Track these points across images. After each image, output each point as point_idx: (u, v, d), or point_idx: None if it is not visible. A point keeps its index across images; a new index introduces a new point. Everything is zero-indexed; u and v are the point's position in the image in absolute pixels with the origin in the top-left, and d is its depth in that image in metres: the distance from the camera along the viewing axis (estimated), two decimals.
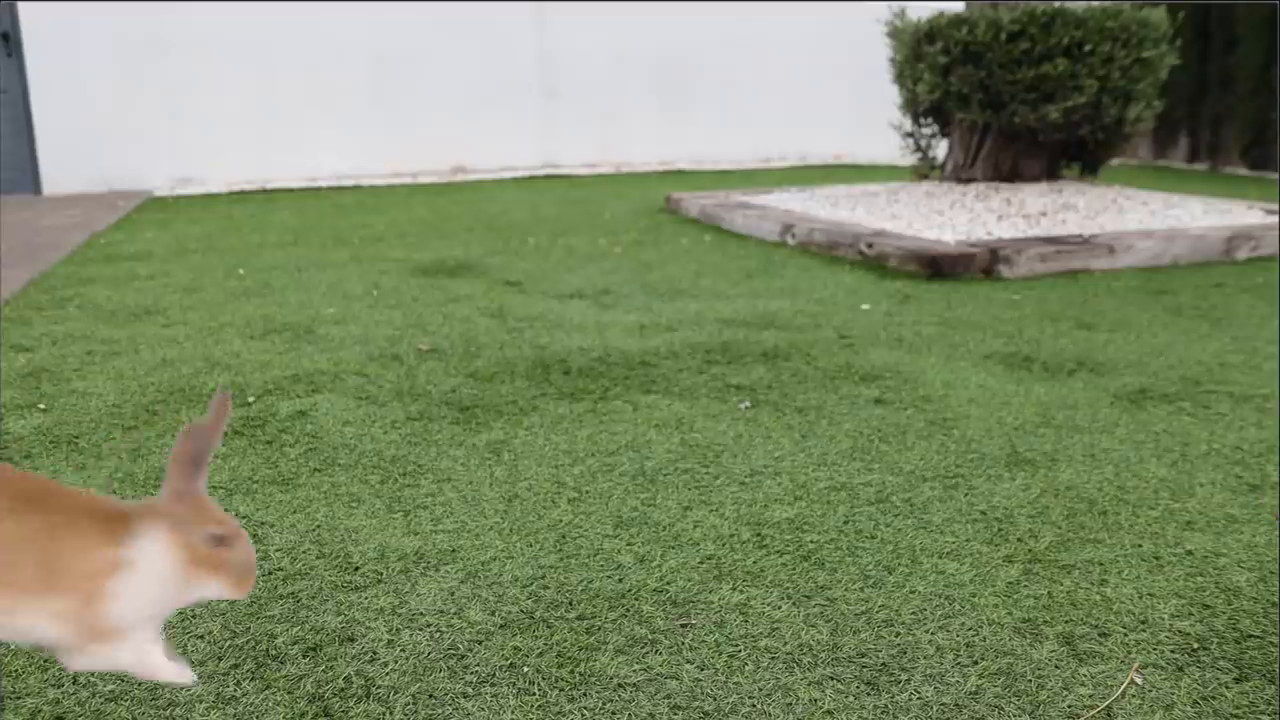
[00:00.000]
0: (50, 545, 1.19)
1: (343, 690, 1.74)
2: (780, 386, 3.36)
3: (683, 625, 1.93)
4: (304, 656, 1.84)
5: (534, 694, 1.73)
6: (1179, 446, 2.80)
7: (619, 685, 1.75)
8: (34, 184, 9.45)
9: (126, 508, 1.24)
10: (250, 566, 1.28)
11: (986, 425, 2.99)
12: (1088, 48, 6.66)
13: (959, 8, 7.38)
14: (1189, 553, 2.20)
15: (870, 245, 5.52)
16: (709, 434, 2.94)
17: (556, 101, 10.82)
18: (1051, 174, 7.48)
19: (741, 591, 2.05)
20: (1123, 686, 1.73)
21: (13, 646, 1.88)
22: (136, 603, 1.23)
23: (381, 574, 2.14)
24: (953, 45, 6.93)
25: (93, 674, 1.79)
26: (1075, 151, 7.49)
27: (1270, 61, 9.64)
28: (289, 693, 1.74)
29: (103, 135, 9.46)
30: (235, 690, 1.74)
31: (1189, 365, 3.55)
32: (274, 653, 1.85)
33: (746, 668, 1.80)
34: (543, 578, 2.12)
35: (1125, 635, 1.88)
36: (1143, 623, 1.93)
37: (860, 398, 3.24)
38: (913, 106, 7.62)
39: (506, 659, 1.83)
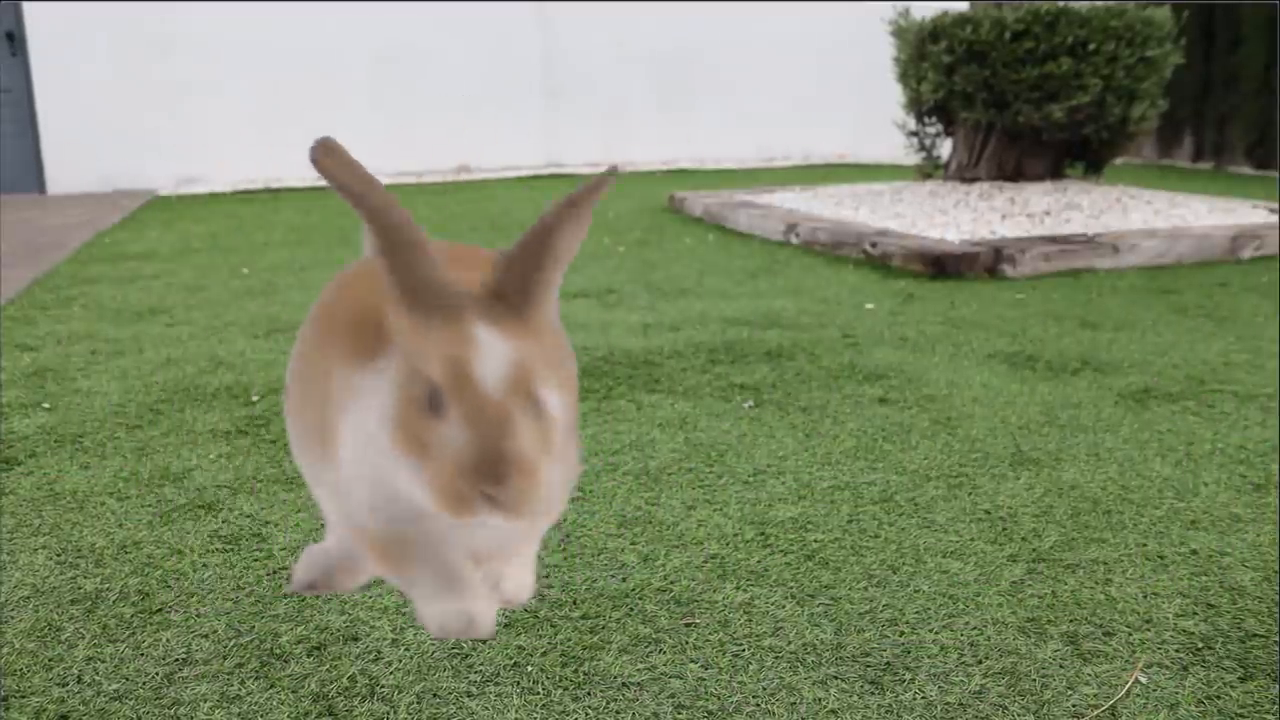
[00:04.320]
0: (313, 368, 0.88)
1: (347, 689, 1.74)
2: (784, 386, 3.36)
3: (686, 624, 1.93)
4: (308, 655, 1.84)
5: (538, 693, 1.73)
6: (1183, 446, 2.80)
7: (623, 684, 1.75)
8: (39, 183, 9.46)
9: (408, 301, 0.78)
10: (493, 473, 0.74)
11: (990, 425, 2.98)
12: (1092, 47, 6.65)
13: (963, 7, 7.37)
14: (1193, 552, 2.20)
15: (874, 244, 5.51)
16: (713, 433, 2.94)
17: (559, 101, 10.82)
18: (1055, 173, 7.47)
19: (745, 591, 2.05)
20: (1127, 686, 1.73)
21: (16, 645, 1.89)
22: (354, 463, 0.82)
23: None
24: (956, 44, 6.92)
25: (97, 672, 1.80)
26: (1079, 151, 7.48)
27: (1273, 61, 9.62)
28: (293, 691, 1.74)
29: (107, 135, 9.47)
30: (240, 689, 1.75)
31: (1193, 364, 3.55)
32: (278, 652, 1.86)
33: (750, 667, 1.79)
34: (546, 577, 2.12)
35: (1130, 634, 1.88)
36: (1147, 622, 1.92)
37: (864, 397, 3.24)
38: (916, 105, 7.61)
39: (510, 658, 1.83)
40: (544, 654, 1.84)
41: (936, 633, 1.90)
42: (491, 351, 0.75)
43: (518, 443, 0.74)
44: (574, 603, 2.01)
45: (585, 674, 1.78)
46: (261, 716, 1.67)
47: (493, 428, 0.74)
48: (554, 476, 0.76)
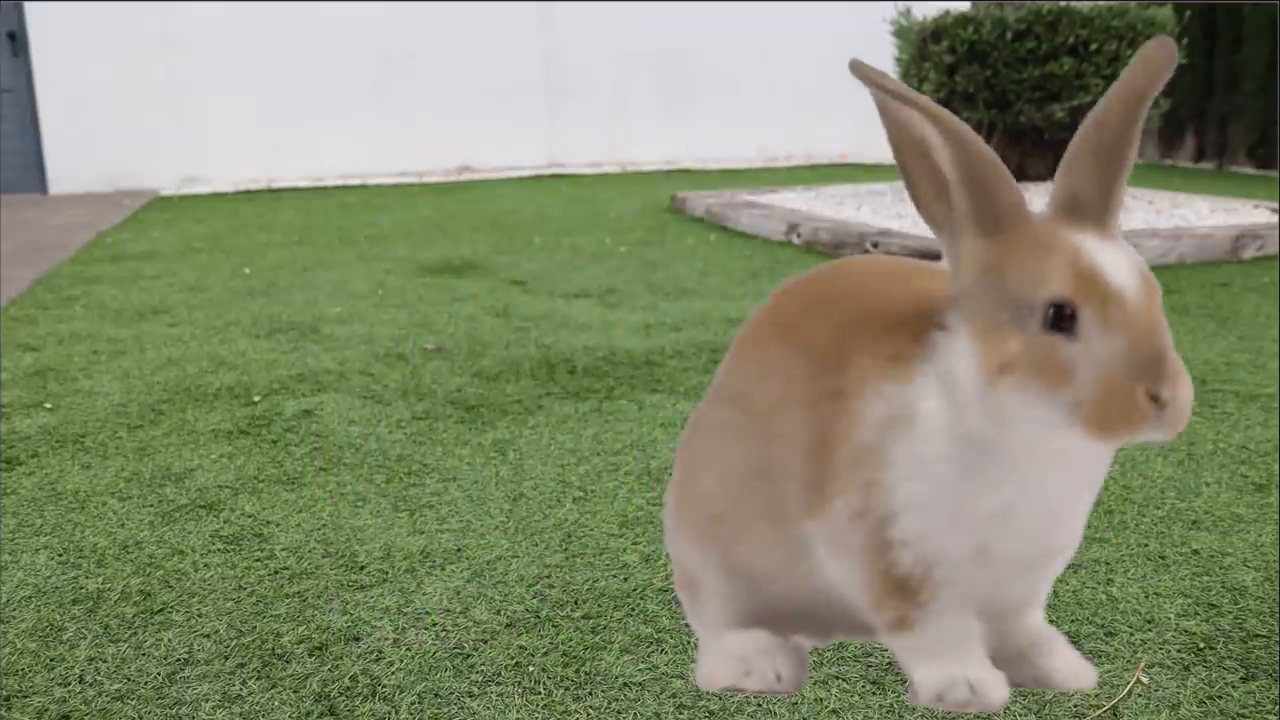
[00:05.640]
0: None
1: (348, 689, 1.74)
2: None
3: (688, 625, 1.93)
4: (310, 655, 1.84)
5: (539, 693, 1.73)
6: (1185, 446, 2.80)
7: (624, 684, 1.75)
8: (40, 183, 9.47)
9: (991, 225, 0.69)
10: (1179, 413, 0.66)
11: None
12: (1094, 47, 6.65)
13: (965, 7, 7.37)
14: (1195, 552, 2.20)
15: (876, 245, 5.51)
16: None
17: (562, 101, 10.82)
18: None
19: None
20: (1129, 686, 1.73)
21: (18, 645, 1.89)
22: (927, 507, 0.70)
23: (387, 573, 2.14)
24: (958, 44, 6.92)
25: (99, 672, 1.80)
26: None
27: (1275, 61, 9.61)
28: (295, 691, 1.74)
29: (109, 134, 9.48)
30: (241, 689, 1.75)
31: (1195, 364, 3.54)
32: (280, 652, 1.86)
33: None
34: (548, 577, 2.12)
35: (1131, 635, 1.88)
36: (1149, 622, 1.92)
37: None
38: None
39: (512, 658, 1.83)
40: (545, 654, 1.84)
41: None
42: (1112, 257, 0.66)
43: (1170, 345, 0.66)
44: (575, 603, 2.01)
45: (587, 674, 1.78)
46: (263, 716, 1.67)
47: (1148, 329, 0.65)
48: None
